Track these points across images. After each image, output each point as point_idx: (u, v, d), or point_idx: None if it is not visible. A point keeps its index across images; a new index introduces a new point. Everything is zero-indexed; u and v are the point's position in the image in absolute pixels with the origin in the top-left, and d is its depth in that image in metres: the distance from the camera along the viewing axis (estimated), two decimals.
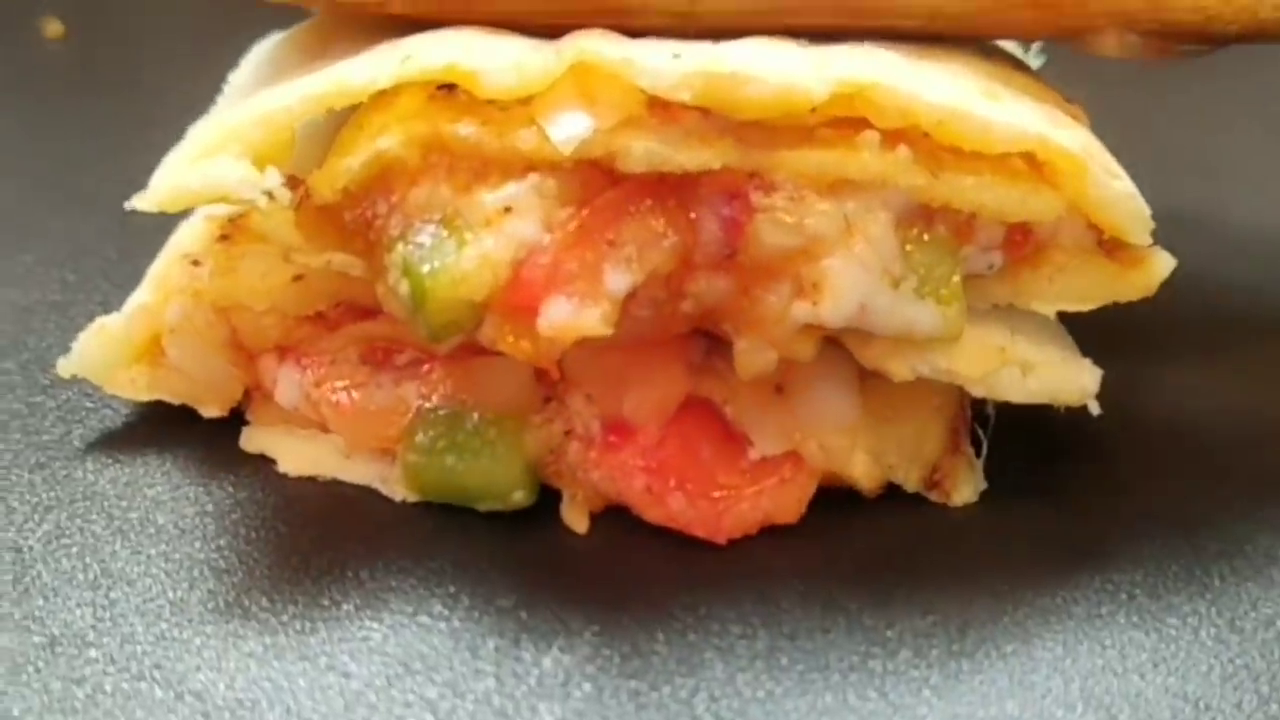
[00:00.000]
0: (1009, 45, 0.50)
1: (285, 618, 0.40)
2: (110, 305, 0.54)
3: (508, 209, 0.39)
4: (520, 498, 0.43)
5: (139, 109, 0.79)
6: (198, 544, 0.43)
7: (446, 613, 0.41)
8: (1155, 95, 0.68)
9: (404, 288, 0.39)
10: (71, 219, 0.64)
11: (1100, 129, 0.45)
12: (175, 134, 0.46)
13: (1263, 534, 0.44)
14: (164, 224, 0.46)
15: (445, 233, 0.39)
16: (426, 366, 0.44)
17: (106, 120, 0.77)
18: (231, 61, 0.55)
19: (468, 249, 0.39)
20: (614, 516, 0.44)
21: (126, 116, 0.78)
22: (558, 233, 0.39)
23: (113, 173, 0.68)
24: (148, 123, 0.76)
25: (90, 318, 0.53)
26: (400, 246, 0.39)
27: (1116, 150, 0.43)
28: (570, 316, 0.38)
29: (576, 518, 0.44)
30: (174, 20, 0.98)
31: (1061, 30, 0.45)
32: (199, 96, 0.52)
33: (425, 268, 0.39)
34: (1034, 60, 0.52)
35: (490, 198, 0.39)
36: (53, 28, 0.93)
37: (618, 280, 0.39)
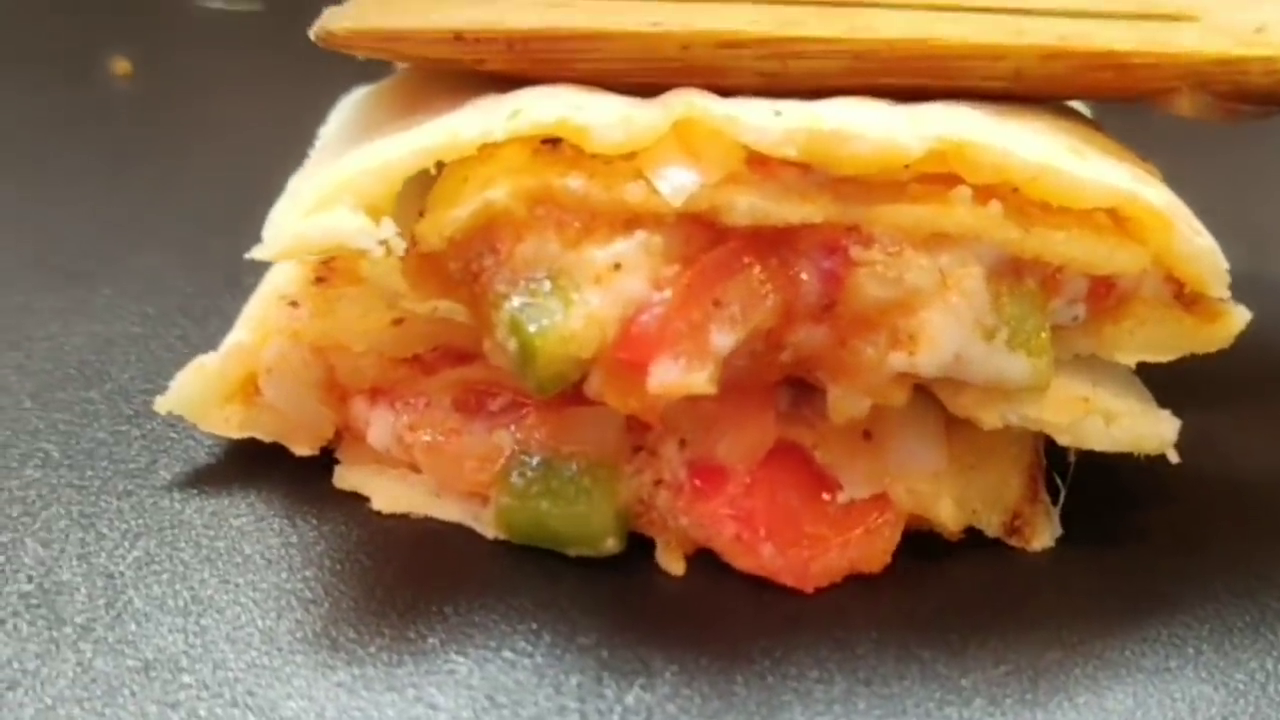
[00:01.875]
0: (1076, 104, 0.51)
1: (373, 649, 0.41)
2: (188, 338, 0.58)
3: (617, 265, 0.40)
4: (611, 544, 0.44)
5: (206, 145, 0.82)
6: (284, 574, 0.44)
7: (530, 649, 0.41)
8: (1200, 159, 0.70)
9: (512, 344, 0.40)
10: (147, 255, 0.66)
11: None
12: (242, 167, 0.47)
13: None
14: (237, 259, 0.47)
15: (552, 290, 0.40)
16: (522, 412, 0.45)
17: (174, 159, 0.79)
18: (296, 96, 0.56)
19: (575, 307, 0.40)
20: (696, 559, 0.45)
21: (194, 152, 0.80)
22: (665, 290, 0.40)
23: (183, 207, 0.72)
24: (215, 158, 0.79)
25: (169, 350, 0.57)
26: (508, 304, 0.40)
27: None
28: (679, 377, 0.39)
29: (672, 561, 0.45)
30: (238, 59, 1.00)
31: (1138, 92, 0.46)
32: (264, 130, 0.53)
33: (533, 326, 0.40)
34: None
35: (600, 254, 0.40)
36: (121, 66, 0.95)
37: (723, 340, 0.40)
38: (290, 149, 0.54)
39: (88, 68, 0.95)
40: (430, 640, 0.41)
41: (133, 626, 0.41)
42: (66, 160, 0.80)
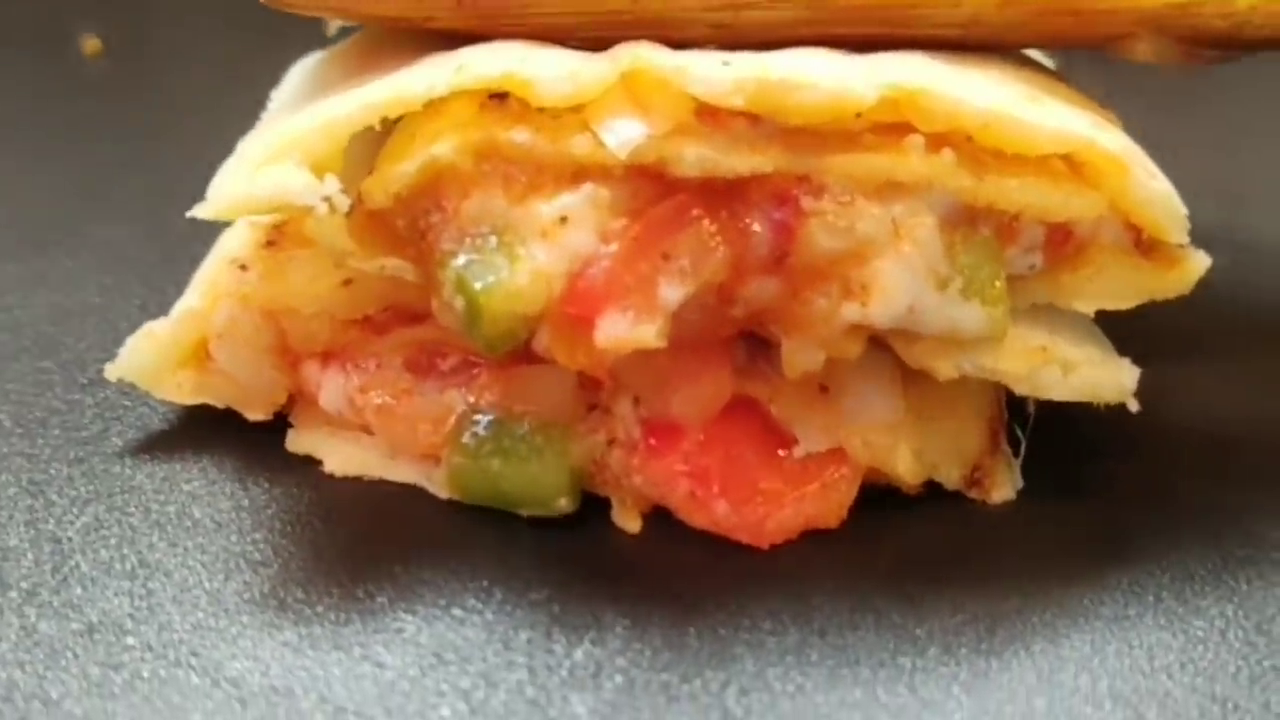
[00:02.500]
0: (1037, 54, 0.51)
1: (320, 609, 0.41)
2: (148, 308, 0.56)
3: (563, 219, 0.39)
4: (564, 504, 0.44)
5: (175, 122, 0.81)
6: (234, 537, 0.44)
7: (480, 606, 0.41)
8: (1173, 115, 0.70)
9: (459, 303, 0.40)
10: (109, 226, 0.65)
11: None
12: (210, 144, 0.47)
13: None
14: (199, 231, 0.47)
15: (498, 246, 0.40)
16: (474, 372, 0.44)
17: (142, 132, 0.79)
18: (267, 77, 0.56)
19: (521, 263, 0.39)
20: (652, 517, 0.45)
21: (162, 129, 0.80)
22: (612, 244, 0.39)
23: (148, 182, 0.71)
24: (183, 134, 0.79)
25: (128, 320, 0.55)
26: (454, 261, 0.40)
27: None
28: (626, 331, 0.39)
29: (628, 520, 0.44)
30: (211, 37, 0.99)
31: (1095, 37, 0.46)
32: (234, 109, 0.53)
33: (479, 284, 0.39)
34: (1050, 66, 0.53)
35: (546, 209, 0.39)
36: (91, 45, 0.94)
37: (672, 293, 0.39)
38: (257, 118, 0.54)
39: (58, 46, 0.94)
40: (379, 599, 0.41)
41: (78, 590, 0.41)
42: (32, 135, 0.79)
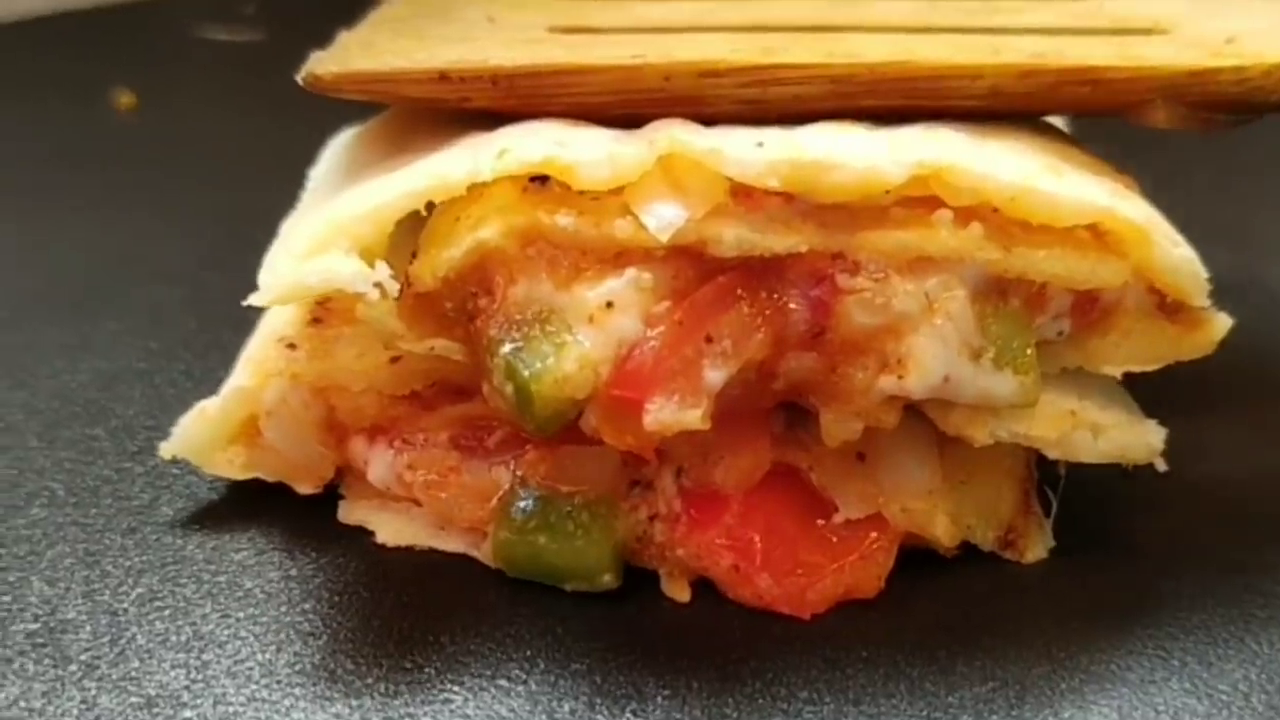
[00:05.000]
0: (1056, 121, 0.52)
1: (370, 680, 0.42)
2: (192, 373, 0.59)
3: (609, 304, 0.41)
4: (608, 580, 0.45)
5: (208, 178, 0.82)
6: (284, 608, 0.45)
7: (524, 676, 0.42)
8: (1187, 165, 0.70)
9: (509, 389, 0.41)
10: (150, 288, 0.67)
11: None
12: (246, 200, 0.48)
13: None
14: (239, 293, 0.47)
15: (544, 332, 0.41)
16: (521, 448, 0.45)
17: (178, 193, 0.80)
18: (301, 128, 0.56)
19: (568, 349, 0.41)
20: (697, 584, 0.46)
21: (197, 184, 0.81)
22: (657, 327, 0.41)
23: (186, 242, 0.73)
24: (218, 190, 0.80)
25: (174, 386, 0.58)
26: (502, 349, 0.41)
27: None
28: (673, 415, 0.40)
29: (677, 590, 0.45)
30: (241, 89, 1.00)
31: (1113, 105, 0.47)
32: (268, 163, 0.53)
33: (528, 371, 0.40)
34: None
35: (591, 294, 0.41)
36: (124, 99, 0.96)
37: (715, 374, 0.41)
38: (292, 178, 0.55)
39: (91, 100, 0.96)
40: (426, 670, 0.42)
41: (135, 663, 0.42)
42: (70, 194, 0.81)
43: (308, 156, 0.57)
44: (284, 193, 0.54)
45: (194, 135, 0.92)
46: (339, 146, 0.53)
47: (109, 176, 0.84)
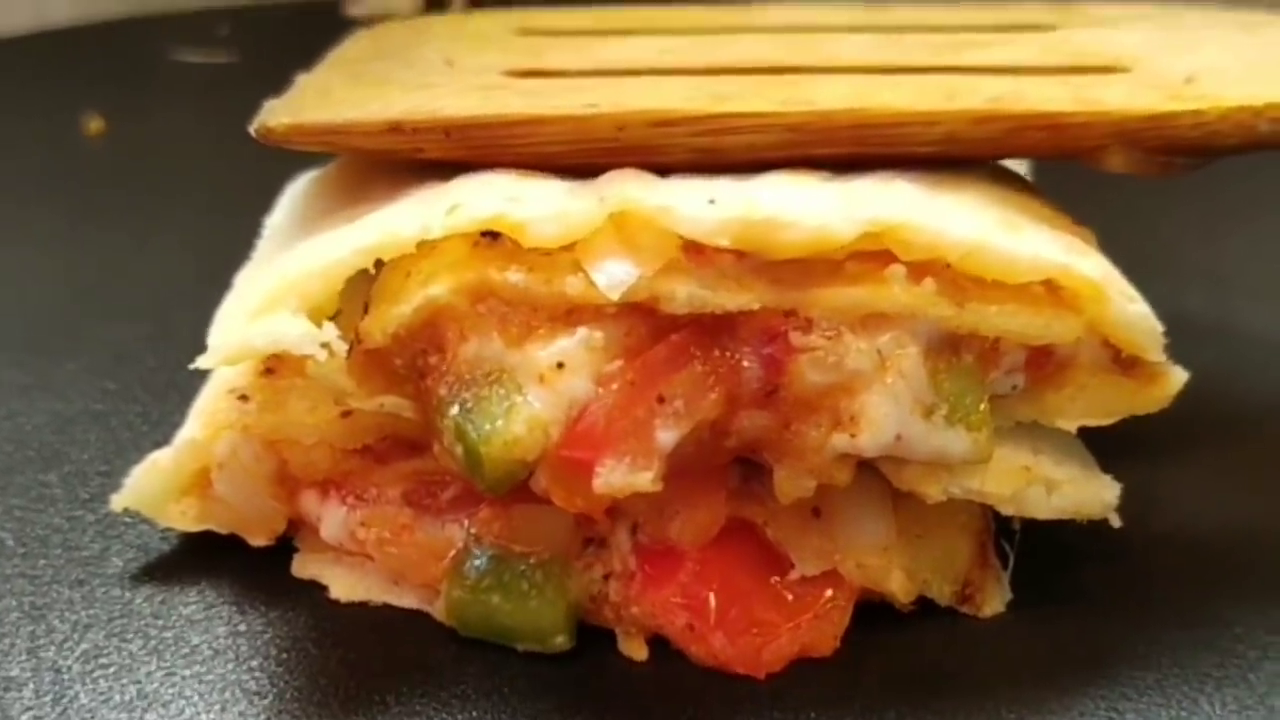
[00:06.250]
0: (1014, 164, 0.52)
1: None
2: (149, 415, 0.58)
3: (560, 365, 0.40)
4: (561, 641, 0.44)
5: (179, 207, 0.81)
6: (230, 665, 0.44)
7: None
8: (1160, 203, 0.70)
9: (458, 450, 0.41)
10: (111, 326, 0.66)
11: (1106, 237, 0.47)
12: (212, 233, 0.47)
13: (1270, 660, 0.44)
14: (201, 330, 0.47)
15: (495, 394, 0.40)
16: (474, 506, 0.45)
17: (146, 220, 0.79)
18: (273, 158, 0.56)
19: (518, 410, 0.40)
20: (652, 642, 0.45)
21: (166, 216, 0.80)
22: (607, 387, 0.40)
23: (151, 278, 0.72)
24: (188, 223, 0.79)
25: (129, 429, 0.57)
26: (452, 410, 0.41)
27: (1123, 257, 0.45)
28: (624, 477, 0.40)
29: (634, 648, 0.45)
30: (213, 112, 0.98)
31: (1069, 151, 0.47)
32: (241, 195, 0.53)
33: (477, 433, 0.40)
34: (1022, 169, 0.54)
35: (543, 354, 0.40)
36: (94, 125, 0.95)
37: (667, 435, 0.40)
38: (264, 206, 0.54)
39: (61, 124, 0.95)
40: None
41: None
42: (35, 223, 0.80)
43: (279, 183, 0.57)
44: (254, 220, 0.54)
45: (164, 160, 0.91)
46: (295, 194, 0.53)
47: (76, 204, 0.83)
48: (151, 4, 1.26)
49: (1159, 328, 0.43)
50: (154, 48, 1.17)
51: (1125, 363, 0.45)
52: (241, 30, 1.22)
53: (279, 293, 0.42)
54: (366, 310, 0.43)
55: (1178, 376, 0.45)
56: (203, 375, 0.50)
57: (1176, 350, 0.45)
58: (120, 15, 1.25)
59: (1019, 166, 0.52)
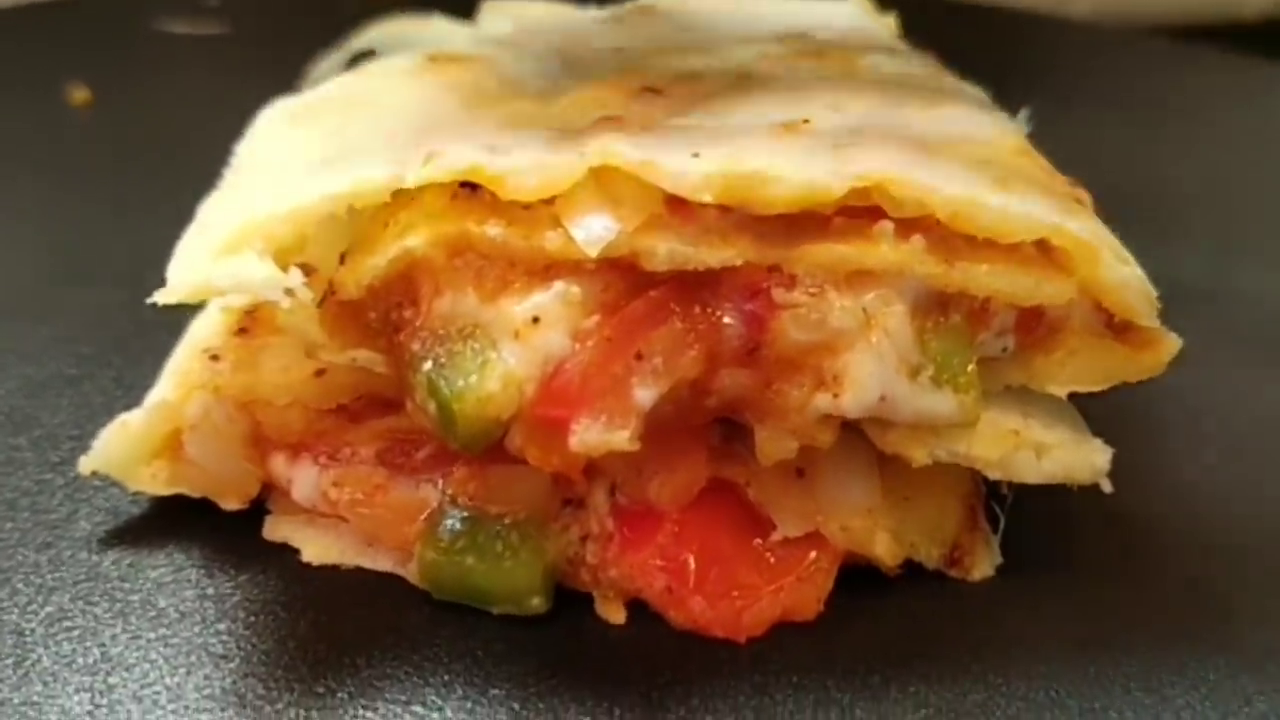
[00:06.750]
0: (1011, 122, 0.51)
1: (280, 705, 0.41)
2: (123, 380, 0.56)
3: (536, 319, 0.39)
4: (537, 604, 0.43)
5: (164, 178, 0.78)
6: (197, 629, 0.43)
7: (439, 702, 0.41)
8: (1160, 165, 0.69)
9: (431, 407, 0.40)
10: (88, 291, 0.65)
11: (1104, 203, 0.46)
12: (194, 200, 0.47)
13: (1263, 628, 0.44)
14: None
15: (470, 349, 0.39)
16: (449, 465, 0.44)
17: (130, 191, 0.77)
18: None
19: (492, 367, 0.39)
20: (631, 605, 0.44)
21: (150, 187, 0.78)
22: (584, 343, 0.39)
23: (130, 244, 0.69)
24: (172, 194, 0.77)
25: (103, 394, 0.56)
26: (425, 366, 0.40)
27: (1120, 219, 0.44)
28: (600, 435, 0.39)
29: (612, 611, 0.44)
30: (201, 83, 0.97)
31: None
32: (220, 170, 0.52)
33: (449, 390, 0.39)
34: (1023, 126, 0.53)
35: (518, 309, 0.39)
36: (79, 95, 0.93)
37: (645, 393, 0.39)
38: None
39: (46, 95, 0.93)
40: (339, 695, 0.41)
41: (39, 687, 0.41)
42: (18, 193, 0.78)
43: None
44: None
45: (149, 131, 0.89)
46: (267, 123, 0.50)
47: (60, 174, 0.81)
48: None
49: (1152, 291, 0.43)
50: (142, 18, 1.15)
51: (1117, 327, 0.44)
52: (232, 1, 1.21)
53: (244, 233, 0.40)
54: (343, 260, 0.42)
55: (1171, 342, 0.44)
56: (178, 335, 0.49)
57: (1172, 314, 0.44)
58: None
59: (1016, 126, 0.51)
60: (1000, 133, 0.47)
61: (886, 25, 0.64)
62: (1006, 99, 0.53)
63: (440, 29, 0.69)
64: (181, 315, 0.51)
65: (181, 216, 0.46)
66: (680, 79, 0.49)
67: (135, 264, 0.68)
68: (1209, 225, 0.71)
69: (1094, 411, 0.46)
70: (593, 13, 0.64)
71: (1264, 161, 0.78)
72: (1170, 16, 1.22)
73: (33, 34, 1.10)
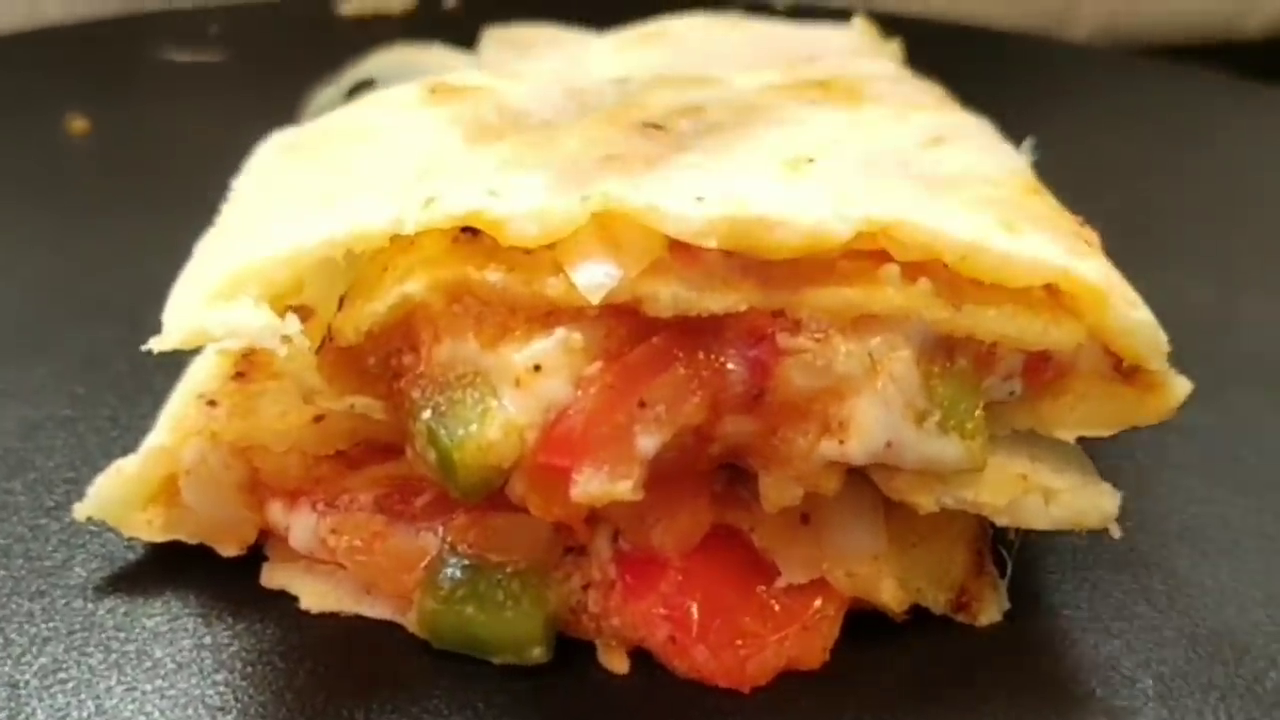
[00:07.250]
0: (1017, 154, 0.50)
1: None
2: (119, 420, 0.56)
3: (537, 367, 0.39)
4: (538, 654, 0.43)
5: (161, 209, 0.77)
6: (194, 679, 0.43)
7: None
8: (1167, 195, 0.69)
9: (431, 455, 0.39)
10: (85, 328, 0.64)
11: (1111, 230, 0.45)
12: (193, 235, 0.46)
13: (1277, 669, 0.43)
14: None
15: (470, 397, 0.39)
16: (450, 513, 0.43)
17: (126, 221, 0.77)
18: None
19: (493, 415, 0.38)
20: (633, 654, 0.44)
21: (148, 217, 0.77)
22: (586, 390, 0.39)
23: (128, 279, 0.69)
24: (169, 224, 0.76)
25: (97, 433, 0.55)
26: (425, 414, 0.39)
27: (1127, 251, 0.44)
28: (602, 486, 0.38)
29: (614, 661, 0.43)
30: (199, 111, 0.96)
31: None
32: (220, 200, 0.51)
33: (450, 439, 0.38)
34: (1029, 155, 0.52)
35: (519, 356, 0.39)
36: (78, 124, 0.93)
37: (648, 441, 0.39)
38: None
39: (45, 124, 0.93)
40: None
41: None
42: (14, 224, 0.78)
43: None
44: None
45: (148, 161, 0.89)
46: (265, 158, 0.50)
47: (58, 206, 0.81)
48: (143, 2, 1.25)
49: (1162, 336, 0.42)
50: (142, 47, 1.15)
51: (1126, 371, 0.43)
52: (232, 29, 1.21)
53: (240, 278, 0.40)
54: (342, 305, 0.41)
55: (1180, 387, 0.43)
56: (175, 379, 0.49)
57: (1177, 345, 0.43)
58: (111, 14, 1.24)
59: (1022, 159, 0.50)
60: (1009, 171, 0.46)
61: (890, 51, 0.64)
62: (1009, 123, 0.52)
63: (441, 58, 0.68)
64: (179, 354, 0.49)
65: (180, 250, 0.45)
66: (682, 112, 0.49)
67: (132, 299, 0.67)
68: (1213, 250, 0.70)
69: (1102, 449, 0.45)
70: (594, 40, 0.63)
71: (1266, 186, 0.77)
72: (1172, 35, 1.21)
73: (34, 62, 1.10)
